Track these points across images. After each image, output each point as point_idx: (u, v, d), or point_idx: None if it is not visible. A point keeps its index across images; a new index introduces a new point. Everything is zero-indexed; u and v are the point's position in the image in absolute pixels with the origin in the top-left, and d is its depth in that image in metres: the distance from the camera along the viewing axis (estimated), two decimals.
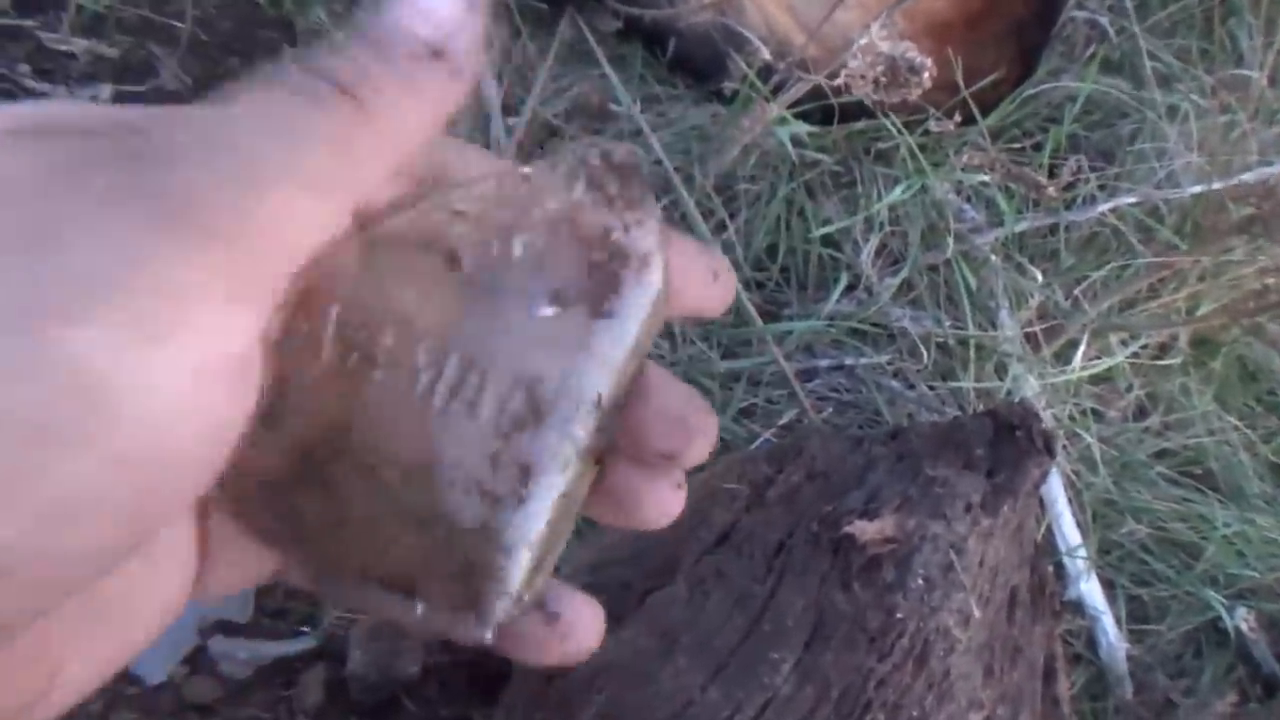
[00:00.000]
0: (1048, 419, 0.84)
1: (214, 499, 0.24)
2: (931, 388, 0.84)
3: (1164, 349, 0.92)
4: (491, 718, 0.58)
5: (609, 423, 0.25)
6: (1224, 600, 0.86)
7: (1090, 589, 0.85)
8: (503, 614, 0.25)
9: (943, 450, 0.61)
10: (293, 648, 0.69)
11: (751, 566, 0.54)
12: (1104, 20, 0.97)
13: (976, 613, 0.54)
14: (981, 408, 0.80)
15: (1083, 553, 0.84)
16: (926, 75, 0.50)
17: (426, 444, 0.23)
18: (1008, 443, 0.61)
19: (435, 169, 0.25)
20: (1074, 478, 0.87)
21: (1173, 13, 0.99)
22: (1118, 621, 0.85)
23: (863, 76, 0.51)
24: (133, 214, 0.19)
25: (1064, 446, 0.87)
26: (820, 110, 0.83)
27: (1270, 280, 0.79)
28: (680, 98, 0.90)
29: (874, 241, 0.85)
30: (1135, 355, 0.89)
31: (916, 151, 0.83)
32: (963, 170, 0.82)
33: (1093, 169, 0.88)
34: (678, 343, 0.85)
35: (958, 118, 0.72)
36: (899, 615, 0.51)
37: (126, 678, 0.67)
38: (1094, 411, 0.89)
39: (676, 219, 0.85)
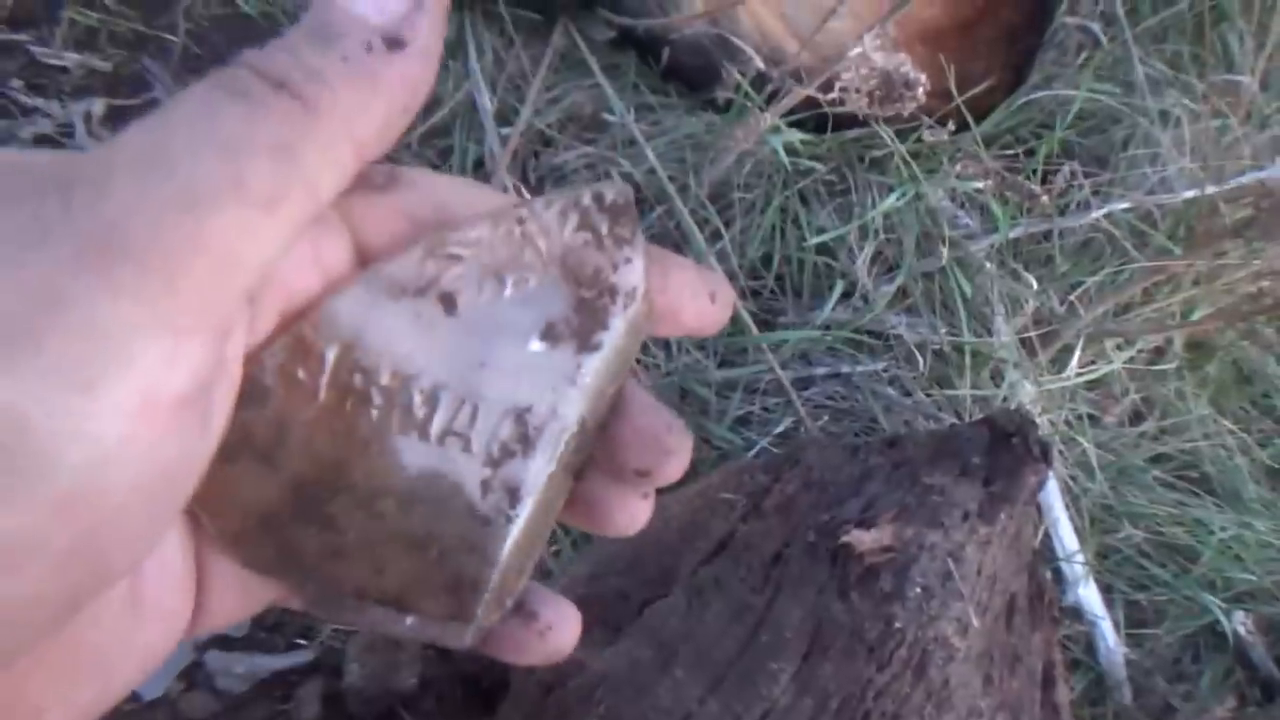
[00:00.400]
0: (1044, 424, 0.84)
1: (212, 536, 0.24)
2: (928, 394, 0.84)
3: (1159, 354, 0.92)
4: None
5: (589, 439, 0.26)
6: (1222, 604, 0.86)
7: (1088, 594, 0.85)
8: (487, 619, 0.26)
9: (939, 458, 0.61)
10: (289, 661, 0.69)
11: (749, 576, 0.54)
12: (1096, 27, 0.97)
13: (975, 621, 0.53)
14: (978, 414, 0.80)
15: (1080, 558, 0.84)
16: (921, 90, 0.50)
17: (422, 476, 0.25)
18: (1004, 451, 0.61)
19: (435, 207, 0.25)
20: (1071, 483, 0.87)
21: (1164, 18, 0.99)
22: (1116, 626, 0.85)
23: (857, 90, 0.51)
24: (56, 251, 0.18)
25: (1060, 452, 0.87)
26: (814, 119, 0.83)
27: (1265, 283, 0.79)
28: (674, 107, 0.90)
29: (869, 249, 0.85)
30: (1131, 360, 0.89)
31: (910, 160, 0.83)
32: (957, 178, 0.82)
33: (1086, 175, 0.88)
34: (673, 352, 0.85)
35: (951, 125, 0.72)
36: (897, 625, 0.51)
37: None
38: (1090, 417, 0.89)
39: (671, 228, 0.85)
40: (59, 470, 0.17)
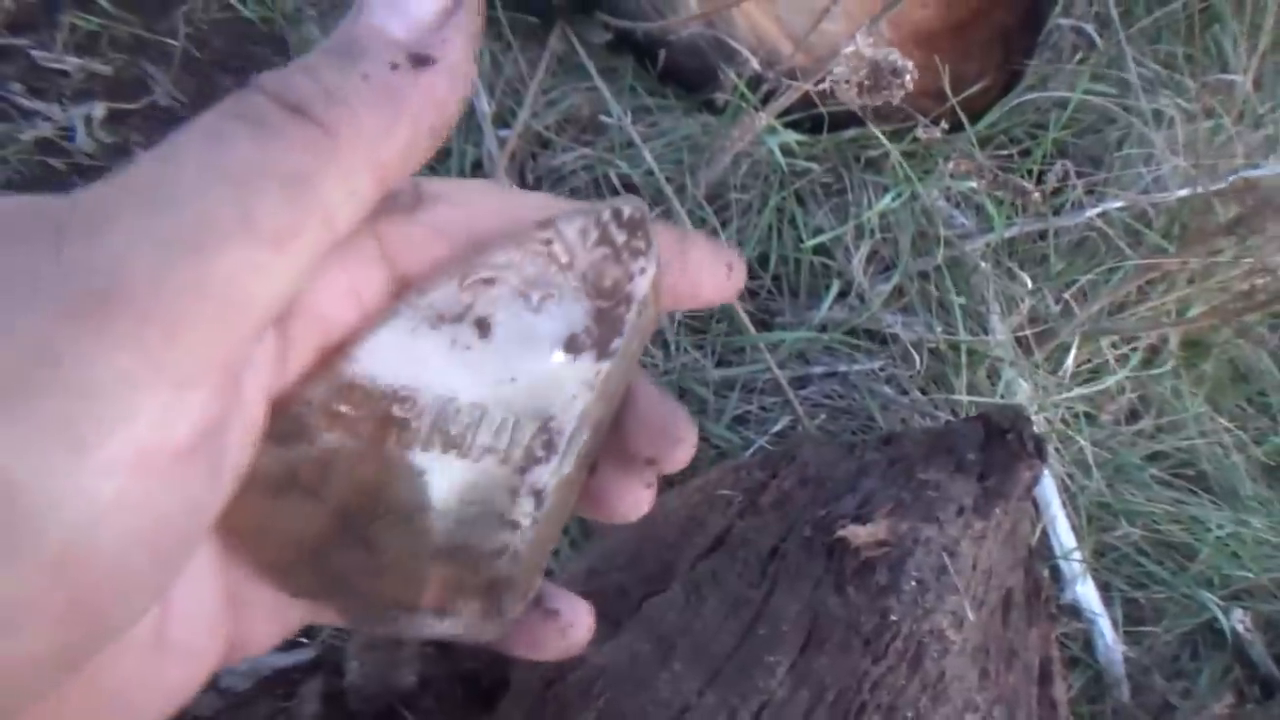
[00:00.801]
0: (1040, 423, 0.85)
1: (252, 569, 0.25)
2: (924, 393, 0.85)
3: (1155, 352, 0.92)
4: None
5: (602, 435, 0.28)
6: (1220, 602, 0.87)
7: (1086, 592, 0.85)
8: (514, 613, 0.27)
9: (934, 455, 0.61)
10: (291, 659, 0.69)
11: (746, 571, 0.55)
12: (1090, 28, 0.98)
13: (970, 615, 0.54)
14: (974, 412, 0.80)
15: (1078, 556, 0.84)
16: (908, 78, 0.51)
17: (459, 492, 0.26)
18: (999, 447, 0.61)
19: (465, 220, 0.26)
20: (1068, 481, 0.87)
21: (1158, 19, 1.00)
22: (1114, 624, 0.85)
23: (846, 81, 0.52)
24: (46, 302, 0.17)
25: (1057, 450, 0.87)
26: (810, 120, 0.84)
27: (1258, 280, 0.80)
28: (671, 109, 0.90)
29: (865, 249, 0.85)
30: (1126, 358, 0.90)
31: (905, 160, 0.84)
32: (951, 177, 0.83)
33: (1081, 175, 0.89)
34: (672, 352, 0.85)
35: (944, 125, 0.73)
36: (893, 618, 0.51)
37: None
38: (1087, 415, 0.89)
39: None
40: (51, 531, 0.17)
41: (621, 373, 0.27)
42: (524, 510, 0.26)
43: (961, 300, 0.85)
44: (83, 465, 0.17)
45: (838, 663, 0.50)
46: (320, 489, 0.25)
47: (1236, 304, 0.80)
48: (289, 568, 0.25)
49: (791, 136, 0.85)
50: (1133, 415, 0.93)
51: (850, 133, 0.86)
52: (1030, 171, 0.90)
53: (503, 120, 0.88)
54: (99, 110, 0.87)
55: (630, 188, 0.86)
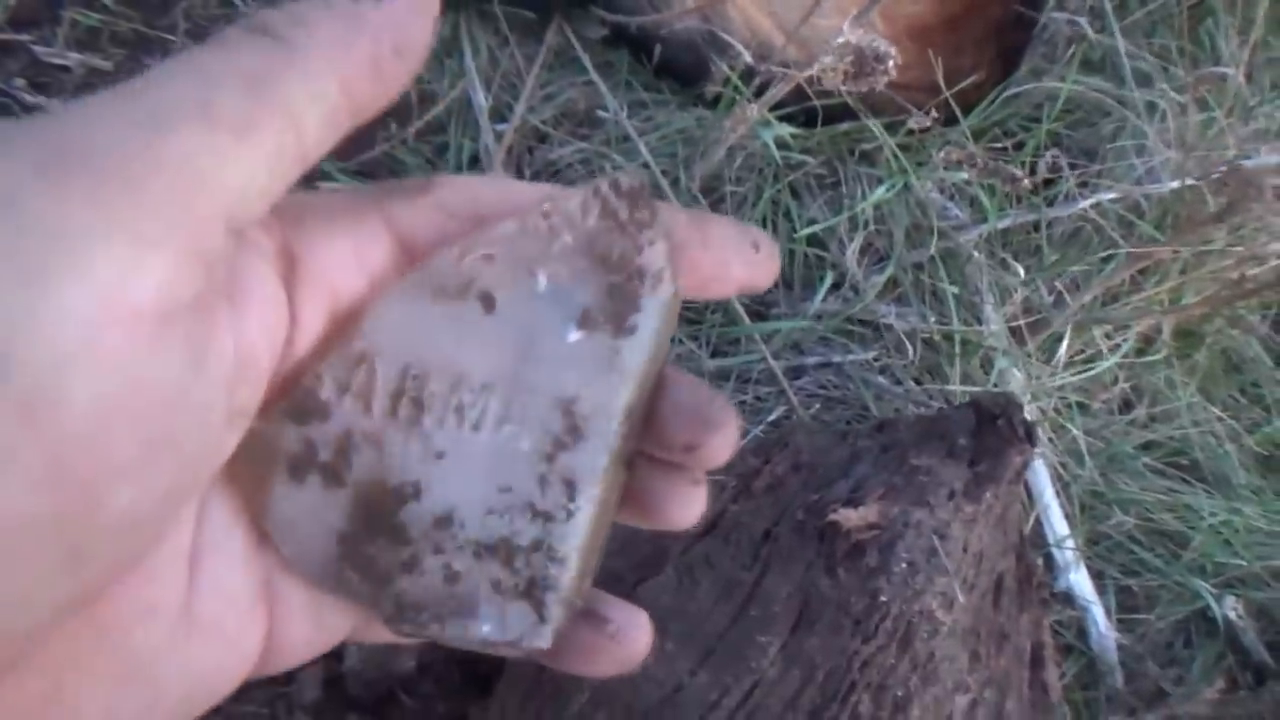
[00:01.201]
0: (1033, 412, 0.85)
1: (283, 562, 0.25)
2: (918, 383, 0.85)
3: (1148, 341, 0.93)
4: (487, 710, 0.59)
5: (636, 426, 0.27)
6: (1213, 589, 0.87)
7: (1079, 579, 0.85)
8: (560, 620, 0.26)
9: (926, 440, 0.62)
10: None
11: (739, 554, 0.55)
12: (1083, 21, 0.98)
13: (960, 597, 0.54)
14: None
15: (1071, 544, 0.85)
16: (891, 64, 0.52)
17: (482, 477, 0.25)
18: (990, 432, 0.62)
19: (470, 199, 0.26)
20: (1061, 470, 0.88)
21: (1151, 12, 1.00)
22: (1107, 611, 0.86)
23: (833, 70, 0.53)
24: (16, 159, 0.18)
25: (1050, 439, 0.88)
26: (804, 113, 0.84)
27: (1249, 269, 0.80)
28: (666, 103, 0.91)
29: (859, 240, 0.86)
30: (1119, 348, 0.90)
31: (899, 152, 0.85)
32: (945, 169, 0.83)
33: (1074, 166, 0.89)
34: None
35: (935, 114, 0.73)
36: (883, 599, 0.52)
37: None
38: (1080, 404, 0.90)
39: None
40: (15, 365, 0.17)
41: (648, 354, 0.26)
42: (556, 501, 0.26)
43: (955, 290, 0.86)
44: (41, 303, 0.17)
45: (828, 643, 0.51)
46: (340, 470, 0.25)
47: (1228, 293, 0.80)
48: (317, 559, 0.25)
49: (786, 129, 0.85)
50: (1126, 404, 0.93)
51: (844, 126, 0.87)
52: (1024, 164, 0.90)
53: (499, 114, 0.89)
54: None
55: None
